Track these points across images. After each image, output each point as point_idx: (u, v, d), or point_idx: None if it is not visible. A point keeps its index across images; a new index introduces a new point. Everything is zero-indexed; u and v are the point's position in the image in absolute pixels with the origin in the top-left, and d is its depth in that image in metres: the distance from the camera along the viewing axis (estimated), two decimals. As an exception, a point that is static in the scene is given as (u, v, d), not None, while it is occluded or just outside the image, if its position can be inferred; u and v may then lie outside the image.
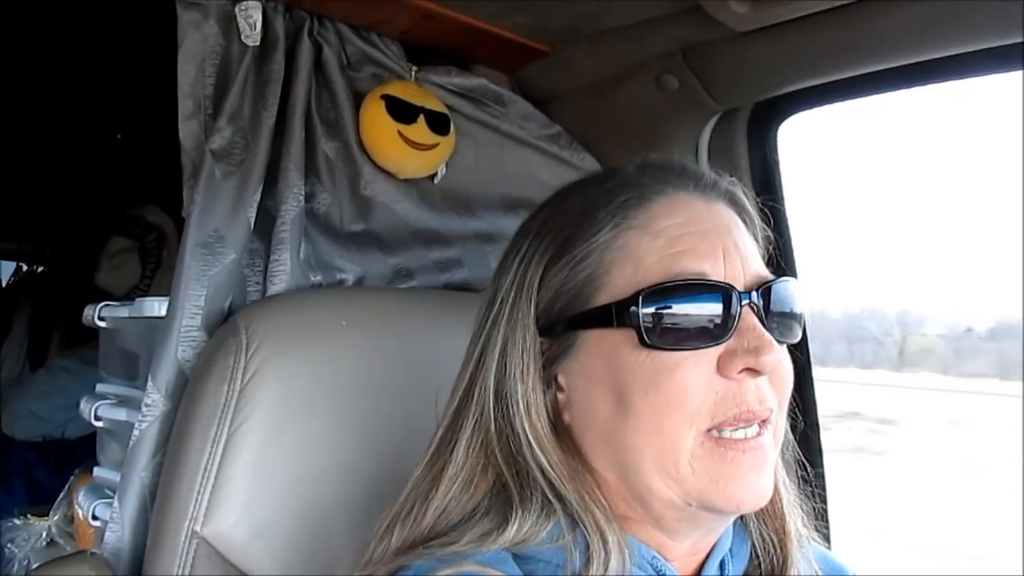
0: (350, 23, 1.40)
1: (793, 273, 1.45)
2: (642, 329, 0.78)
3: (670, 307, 0.79)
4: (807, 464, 1.01)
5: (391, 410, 1.19)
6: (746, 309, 0.80)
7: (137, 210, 2.55)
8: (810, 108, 1.46)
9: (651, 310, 0.78)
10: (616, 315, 0.80)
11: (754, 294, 0.81)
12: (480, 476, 0.84)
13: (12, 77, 2.34)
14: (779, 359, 0.80)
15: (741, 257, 0.82)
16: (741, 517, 0.92)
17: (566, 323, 0.84)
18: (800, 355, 0.99)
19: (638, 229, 0.83)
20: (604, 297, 0.82)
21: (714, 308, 0.79)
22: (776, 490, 0.89)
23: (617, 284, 0.81)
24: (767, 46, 1.29)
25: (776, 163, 1.50)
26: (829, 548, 1.11)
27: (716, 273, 0.80)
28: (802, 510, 0.95)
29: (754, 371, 0.79)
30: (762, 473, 0.81)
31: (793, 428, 0.94)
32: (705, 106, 1.47)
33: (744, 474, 0.79)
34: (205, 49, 1.27)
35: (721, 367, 0.79)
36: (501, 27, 1.46)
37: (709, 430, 0.79)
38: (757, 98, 1.46)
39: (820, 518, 1.02)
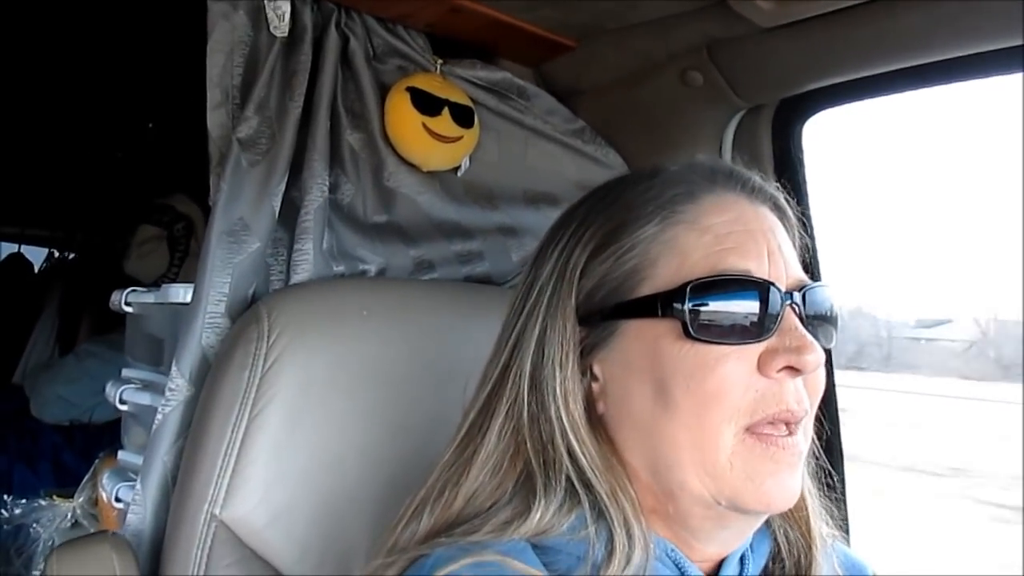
0: (377, 15, 1.41)
1: (818, 274, 1.44)
2: (687, 321, 0.79)
3: (715, 302, 0.79)
4: (830, 470, 1.00)
5: (410, 400, 1.20)
6: (788, 309, 0.81)
7: (166, 199, 2.57)
8: (836, 106, 1.44)
9: (697, 303, 0.79)
10: (661, 306, 0.81)
11: (796, 295, 0.82)
12: (509, 463, 0.84)
13: (47, 67, 2.38)
14: (820, 359, 0.80)
15: (784, 259, 0.83)
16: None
17: (607, 312, 0.84)
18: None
19: (686, 224, 0.83)
20: (648, 288, 0.82)
21: (757, 306, 0.80)
22: (803, 493, 0.89)
23: (662, 276, 0.82)
24: (792, 42, 1.28)
25: (801, 161, 1.49)
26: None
27: (761, 272, 0.81)
28: (827, 512, 0.95)
29: (794, 370, 0.79)
30: (796, 472, 0.81)
31: (818, 435, 0.93)
32: (730, 102, 1.46)
33: (781, 472, 0.79)
34: (234, 39, 1.28)
35: (762, 365, 0.79)
36: (526, 21, 1.46)
37: (748, 428, 0.79)
38: (782, 95, 1.45)
39: (841, 524, 1.01)
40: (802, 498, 0.89)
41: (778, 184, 0.92)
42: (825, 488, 0.97)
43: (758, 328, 0.79)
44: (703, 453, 0.79)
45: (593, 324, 0.85)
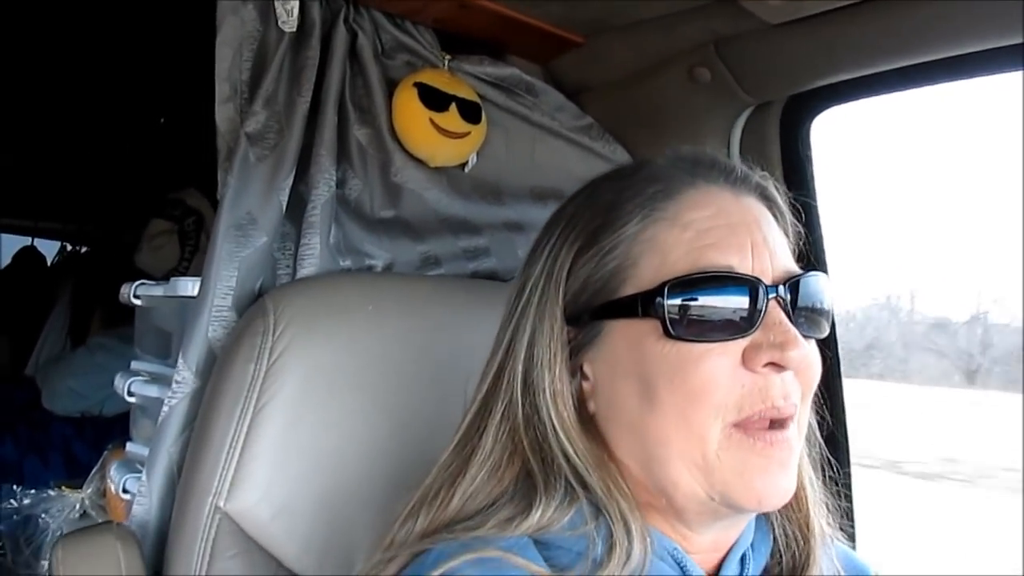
0: (385, 11, 1.41)
1: (824, 269, 1.43)
2: (667, 320, 0.78)
3: (696, 299, 0.79)
4: (835, 463, 0.99)
5: (415, 395, 1.20)
6: (772, 303, 0.80)
7: (177, 193, 2.58)
8: (845, 102, 1.44)
9: (677, 302, 0.78)
10: (642, 306, 0.80)
11: (781, 288, 0.80)
12: (507, 463, 0.84)
13: (59, 62, 2.40)
14: (804, 354, 0.79)
15: (770, 251, 0.82)
16: (764, 513, 0.92)
17: (593, 313, 0.84)
18: (829, 352, 0.98)
19: (666, 221, 0.83)
20: (631, 288, 0.82)
21: (740, 301, 0.79)
22: (802, 487, 0.89)
23: (644, 276, 0.82)
24: (800, 39, 1.27)
25: (809, 158, 1.48)
26: (854, 547, 1.10)
27: (744, 267, 0.80)
28: (827, 508, 0.94)
29: (778, 366, 0.78)
30: (787, 469, 0.80)
31: (821, 427, 0.93)
32: (737, 99, 1.46)
33: (771, 468, 0.78)
34: (243, 34, 1.29)
35: (746, 360, 0.78)
36: (534, 17, 1.46)
37: (736, 424, 0.78)
38: (790, 92, 1.44)
39: (846, 517, 1.01)
40: (801, 491, 0.89)
41: (764, 174, 0.91)
42: (831, 485, 0.96)
43: (741, 324, 0.79)
44: (691, 450, 0.78)
45: (581, 324, 0.85)
